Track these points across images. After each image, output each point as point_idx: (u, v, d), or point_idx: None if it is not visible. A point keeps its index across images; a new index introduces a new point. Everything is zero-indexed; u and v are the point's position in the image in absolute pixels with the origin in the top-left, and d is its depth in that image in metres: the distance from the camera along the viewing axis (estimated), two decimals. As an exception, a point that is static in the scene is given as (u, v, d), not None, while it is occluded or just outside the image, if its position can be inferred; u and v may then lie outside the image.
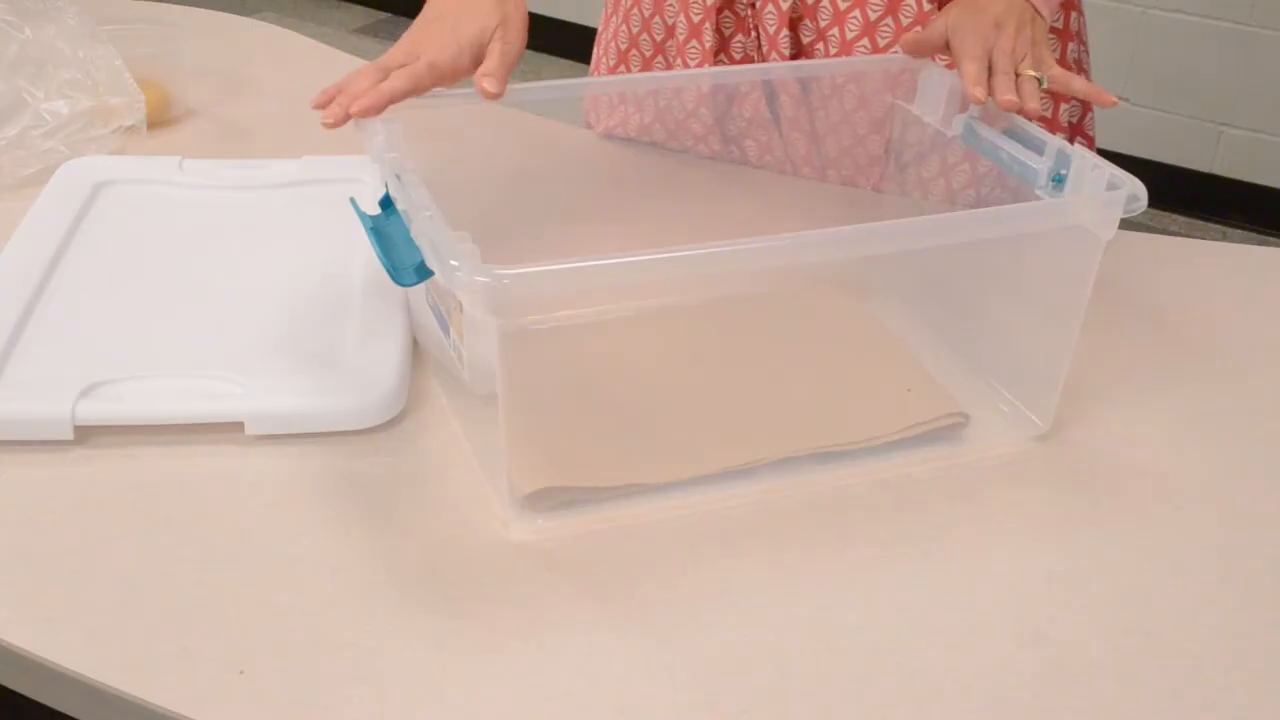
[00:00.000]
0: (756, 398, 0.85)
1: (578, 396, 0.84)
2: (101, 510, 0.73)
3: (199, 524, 0.72)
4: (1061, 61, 1.07)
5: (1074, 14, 1.09)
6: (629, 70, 1.16)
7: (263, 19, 1.50)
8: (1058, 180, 0.80)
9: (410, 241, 0.68)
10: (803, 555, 0.72)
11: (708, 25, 1.08)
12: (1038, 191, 0.81)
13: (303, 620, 0.66)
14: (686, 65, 1.10)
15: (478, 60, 0.86)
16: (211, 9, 1.47)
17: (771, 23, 1.06)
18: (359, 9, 4.05)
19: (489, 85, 0.83)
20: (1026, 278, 0.81)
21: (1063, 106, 1.10)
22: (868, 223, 0.70)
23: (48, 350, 0.82)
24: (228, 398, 0.78)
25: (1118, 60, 2.95)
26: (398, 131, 0.79)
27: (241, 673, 0.63)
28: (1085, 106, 1.12)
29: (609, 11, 1.19)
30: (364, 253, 0.91)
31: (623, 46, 1.16)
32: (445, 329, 0.76)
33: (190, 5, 1.45)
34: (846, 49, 1.05)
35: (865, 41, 1.04)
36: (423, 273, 0.69)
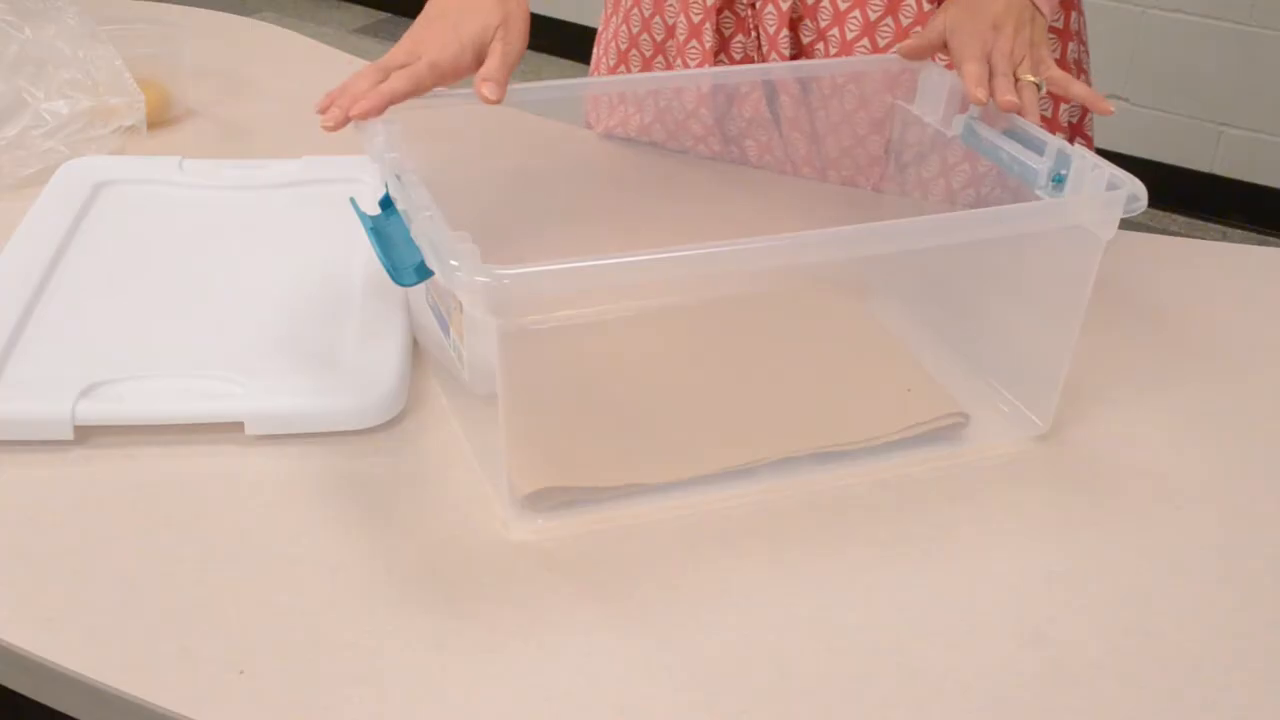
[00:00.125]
0: (756, 398, 0.85)
1: (578, 396, 0.84)
2: (101, 510, 0.73)
3: (199, 524, 0.72)
4: (1061, 62, 1.07)
5: (1074, 14, 1.09)
6: (629, 70, 1.16)
7: (263, 19, 1.50)
8: (1058, 180, 0.80)
9: (410, 241, 0.68)
10: (803, 555, 0.72)
11: (708, 25, 1.08)
12: (1038, 191, 0.81)
13: (303, 620, 0.66)
14: (686, 65, 1.10)
15: (479, 58, 0.86)
16: (211, 9, 1.47)
17: (771, 23, 1.06)
18: (359, 9, 4.05)
19: (489, 92, 0.83)
20: (1026, 278, 0.81)
21: (1063, 107, 1.10)
22: (868, 223, 0.70)
23: (48, 350, 0.82)
24: (228, 398, 0.78)
25: (1117, 60, 2.95)
26: (398, 132, 0.79)
27: (241, 673, 0.63)
28: (1084, 107, 1.12)
29: (609, 12, 1.19)
30: (364, 253, 0.91)
31: (623, 46, 1.16)
32: (445, 329, 0.76)
33: (190, 5, 1.45)
34: (847, 49, 1.05)
35: (865, 41, 1.04)
36: (423, 273, 0.69)
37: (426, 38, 0.85)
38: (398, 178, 0.73)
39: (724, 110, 1.12)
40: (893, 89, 0.98)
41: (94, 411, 0.77)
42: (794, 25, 1.06)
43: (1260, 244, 1.22)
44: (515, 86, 0.86)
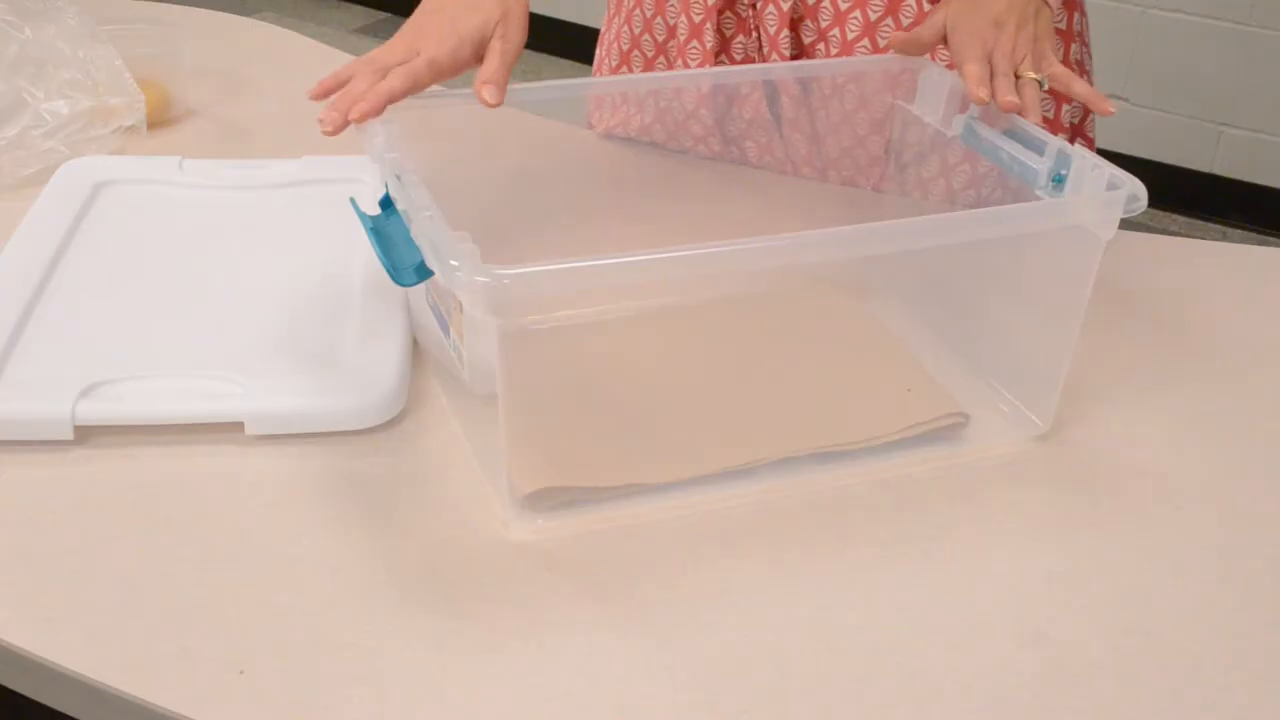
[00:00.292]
0: (756, 398, 0.85)
1: (578, 396, 0.84)
2: (101, 510, 0.73)
3: (199, 524, 0.72)
4: (1064, 63, 1.06)
5: (1076, 14, 1.09)
6: (631, 71, 1.16)
7: (263, 19, 1.50)
8: (1058, 180, 0.80)
9: (410, 241, 0.68)
10: (803, 555, 0.72)
11: (709, 26, 1.08)
12: (1038, 191, 0.81)
13: (303, 620, 0.66)
14: (687, 66, 1.10)
15: (479, 54, 0.85)
16: (211, 9, 1.47)
17: (772, 23, 1.06)
18: (359, 9, 4.05)
19: (489, 95, 0.83)
20: (1026, 278, 0.81)
21: (1065, 107, 1.09)
22: (867, 223, 0.70)
23: (48, 350, 0.82)
24: (228, 398, 0.78)
25: (1118, 60, 2.96)
26: (397, 132, 0.79)
27: (241, 673, 0.63)
28: (1086, 108, 1.12)
29: (611, 12, 1.19)
30: (364, 253, 0.91)
31: (624, 47, 1.16)
32: (445, 329, 0.76)
33: (190, 5, 1.45)
34: (847, 49, 1.05)
35: (866, 42, 1.04)
36: (423, 273, 0.69)
37: (425, 32, 0.85)
38: (398, 178, 0.73)
39: (724, 111, 1.12)
40: (893, 89, 0.98)
41: (94, 411, 0.77)
42: (795, 26, 1.06)
43: (1260, 244, 1.22)
44: (515, 86, 0.86)
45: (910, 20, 1.02)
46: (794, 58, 1.07)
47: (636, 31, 1.14)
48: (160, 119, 1.20)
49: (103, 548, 0.70)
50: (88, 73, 1.14)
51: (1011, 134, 0.85)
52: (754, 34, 1.08)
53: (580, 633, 0.66)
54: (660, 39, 1.13)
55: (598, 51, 1.21)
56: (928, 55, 0.96)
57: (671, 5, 1.10)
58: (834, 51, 1.06)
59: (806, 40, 1.07)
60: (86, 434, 0.77)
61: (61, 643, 0.64)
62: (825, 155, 1.11)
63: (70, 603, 0.66)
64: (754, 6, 1.07)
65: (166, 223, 0.99)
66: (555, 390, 0.84)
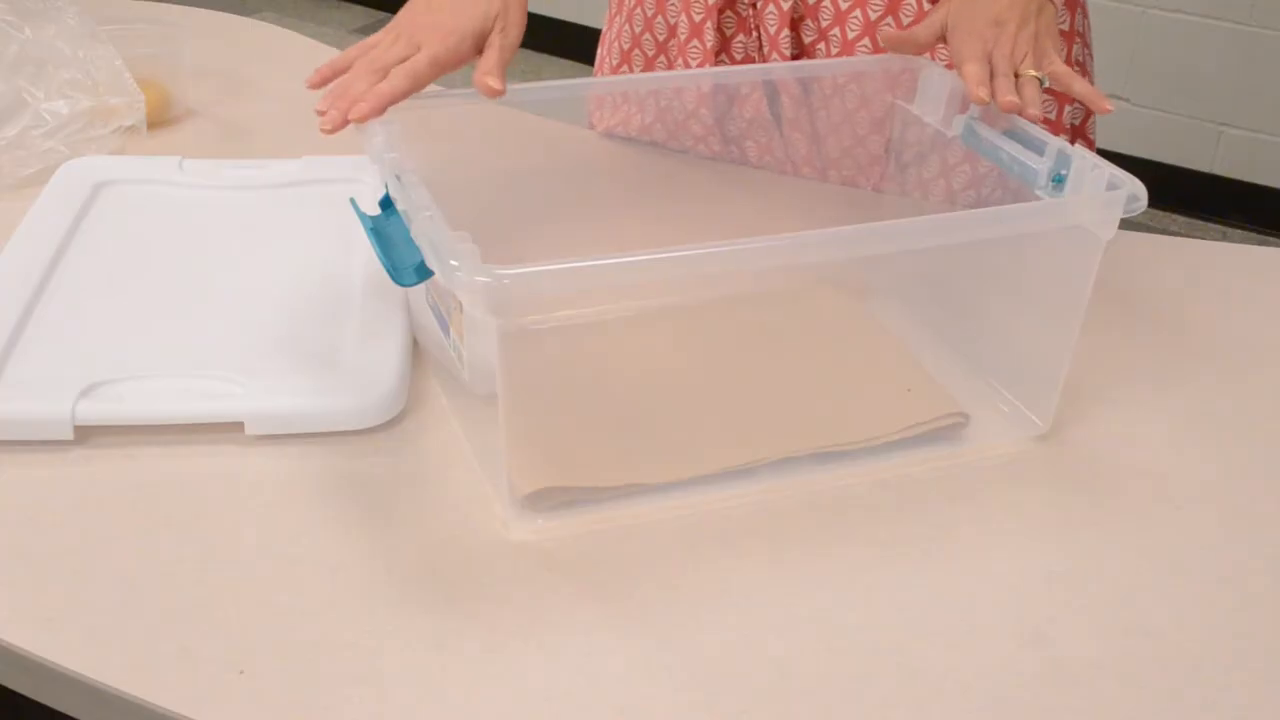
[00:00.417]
0: (756, 398, 0.85)
1: (578, 396, 0.84)
2: (101, 510, 0.73)
3: (199, 524, 0.72)
4: (1067, 64, 1.06)
5: (1078, 14, 1.08)
6: (632, 70, 1.16)
7: (263, 19, 1.50)
8: (1058, 180, 0.80)
9: (410, 241, 0.68)
10: (803, 555, 0.72)
11: (709, 25, 1.08)
12: (1038, 192, 0.81)
13: (303, 620, 0.66)
14: (688, 65, 1.10)
15: (478, 47, 0.85)
16: (211, 9, 1.47)
17: (773, 22, 1.05)
18: (359, 9, 4.05)
19: (493, 82, 0.83)
20: (1026, 278, 0.81)
21: (1066, 109, 1.09)
22: (868, 223, 0.70)
23: (48, 350, 0.82)
24: (228, 398, 0.78)
25: (1118, 60, 2.96)
26: (397, 132, 0.79)
27: (241, 673, 0.62)
28: (1087, 109, 1.11)
29: (612, 11, 1.19)
30: (364, 253, 0.91)
31: (625, 46, 1.16)
32: (445, 329, 0.76)
33: (190, 5, 1.45)
34: (848, 49, 1.05)
35: (866, 41, 1.04)
36: (423, 273, 0.69)
37: (424, 24, 0.85)
38: (398, 178, 0.73)
39: (724, 110, 1.12)
40: (893, 89, 0.98)
41: (94, 411, 0.77)
42: (795, 25, 1.06)
43: (1260, 244, 1.22)
44: (515, 86, 0.86)
45: (911, 19, 1.02)
46: (794, 57, 1.07)
47: (637, 30, 1.14)
48: (160, 119, 1.20)
49: (103, 548, 0.70)
50: (88, 73, 1.14)
51: (1011, 134, 0.84)
52: (754, 33, 1.08)
53: (580, 633, 0.66)
54: (661, 38, 1.13)
55: (599, 50, 1.21)
56: (927, 55, 0.96)
57: (672, 4, 1.10)
58: (834, 51, 1.06)
59: (807, 40, 1.07)
60: (86, 434, 0.77)
61: (61, 643, 0.64)
62: (825, 155, 1.11)
63: (70, 603, 0.66)
64: (754, 6, 1.07)
65: (166, 223, 0.99)
66: (555, 390, 0.84)
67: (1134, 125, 3.01)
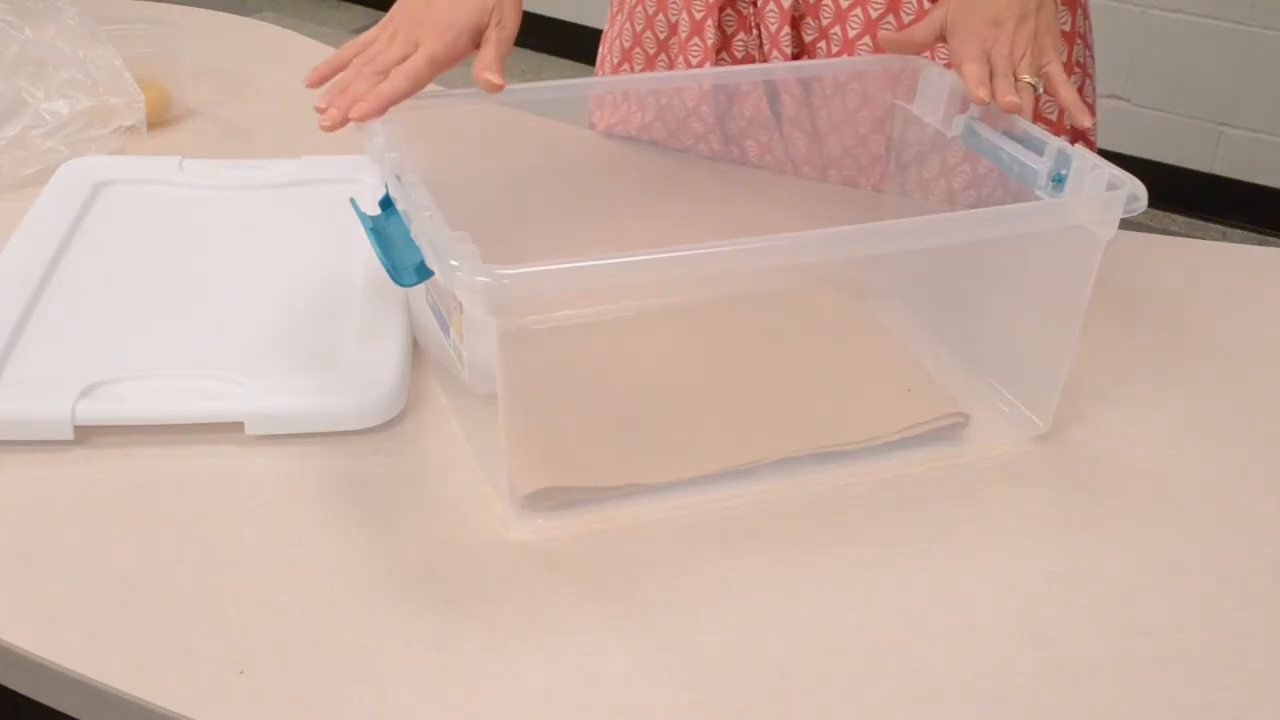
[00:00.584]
0: (756, 398, 0.85)
1: (578, 396, 0.84)
2: (101, 510, 0.73)
3: (199, 524, 0.72)
4: (1067, 65, 1.06)
5: (1079, 15, 1.08)
6: (633, 68, 1.16)
7: (263, 19, 1.50)
8: (1058, 180, 0.80)
9: (410, 241, 0.68)
10: (803, 555, 0.72)
11: (710, 22, 1.08)
12: (1038, 192, 0.81)
13: (303, 620, 0.66)
14: (688, 62, 1.10)
15: (475, 41, 0.85)
16: (211, 9, 1.47)
17: (773, 21, 1.05)
18: (359, 9, 4.05)
19: (492, 77, 0.83)
20: (1026, 278, 0.81)
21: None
22: (867, 223, 0.70)
23: (48, 350, 0.82)
24: (228, 398, 0.78)
25: (1118, 60, 2.95)
26: (397, 132, 0.79)
27: (241, 673, 0.62)
28: (1090, 110, 1.11)
29: (614, 10, 1.19)
30: (364, 253, 0.91)
31: (626, 44, 1.16)
32: (445, 329, 0.76)
33: (190, 5, 1.45)
34: (849, 47, 1.05)
35: (867, 39, 1.04)
36: (423, 273, 0.69)
37: (421, 20, 0.84)
38: (398, 178, 0.73)
39: (725, 109, 1.12)
40: (893, 88, 0.98)
41: (94, 411, 0.77)
42: (796, 23, 1.06)
43: (1260, 244, 1.22)
44: (515, 86, 0.86)
45: (911, 18, 1.02)
46: (795, 55, 1.07)
47: (638, 28, 1.14)
48: (160, 119, 1.20)
49: (103, 548, 0.70)
50: (88, 73, 1.14)
51: (1011, 134, 0.84)
52: (755, 31, 1.08)
53: (580, 633, 0.66)
54: (662, 36, 1.13)
55: (600, 49, 1.21)
56: (927, 54, 0.96)
57: (673, 2, 1.10)
58: (835, 49, 1.06)
59: (807, 38, 1.07)
60: (86, 434, 0.77)
61: (61, 643, 0.64)
62: (826, 154, 1.11)
63: (70, 603, 0.66)
64: (755, 3, 1.07)
65: (166, 223, 0.99)
66: (555, 390, 0.84)
67: (1134, 125, 3.00)
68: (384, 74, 0.82)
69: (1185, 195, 3.01)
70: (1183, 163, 3.01)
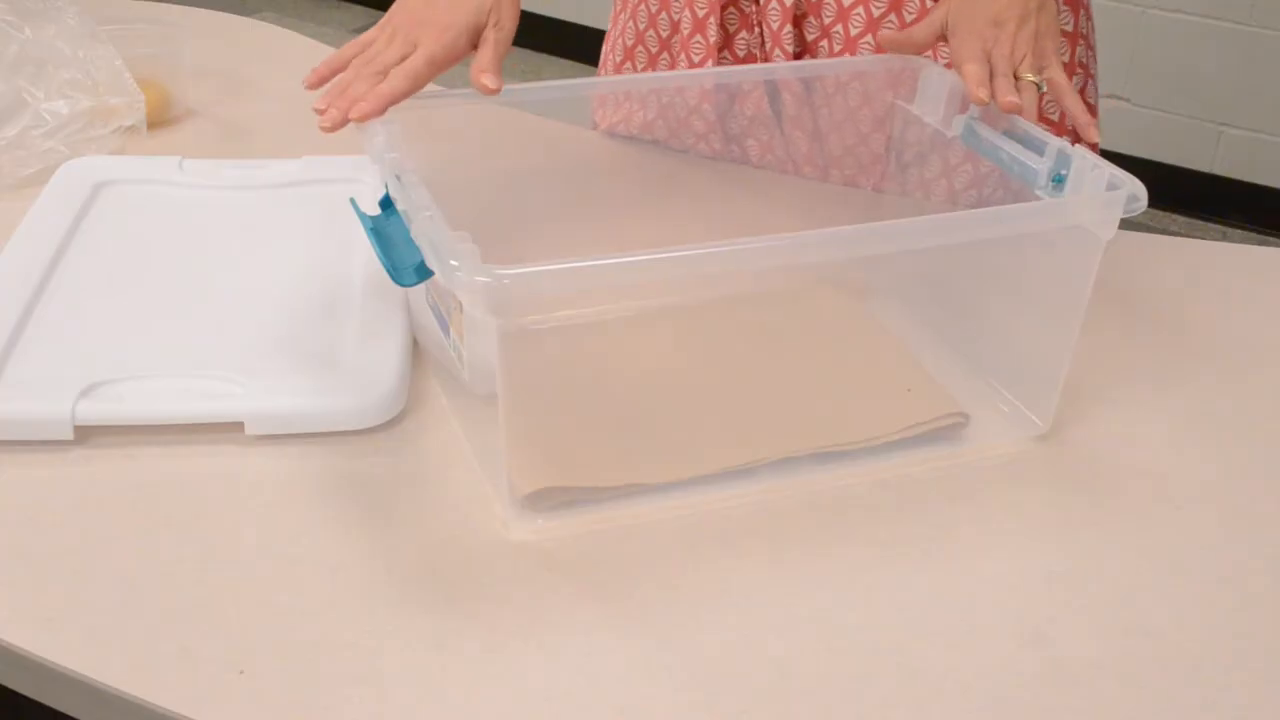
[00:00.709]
0: (756, 398, 0.85)
1: (578, 396, 0.84)
2: (101, 510, 0.73)
3: (199, 524, 0.72)
4: (1069, 65, 1.06)
5: (1081, 16, 1.08)
6: (635, 67, 1.16)
7: (263, 19, 1.50)
8: (1058, 180, 0.80)
9: (410, 241, 0.68)
10: (803, 555, 0.72)
11: (712, 20, 1.08)
12: (1038, 191, 0.81)
13: (303, 620, 0.66)
14: (690, 60, 1.10)
15: (473, 41, 0.85)
16: (211, 9, 1.47)
17: (775, 19, 1.05)
18: (359, 9, 4.05)
19: (488, 81, 0.83)
20: (1026, 278, 0.81)
21: None
22: (868, 223, 0.70)
23: (48, 350, 0.82)
24: (228, 398, 0.78)
25: (1118, 60, 2.95)
26: (397, 132, 0.79)
27: (241, 673, 0.62)
28: (1093, 111, 1.11)
29: (617, 9, 1.19)
30: (364, 253, 0.91)
31: (629, 43, 1.16)
32: (445, 329, 0.76)
33: (190, 5, 1.45)
34: (850, 45, 1.05)
35: (869, 38, 1.04)
36: (423, 273, 0.69)
37: (419, 19, 0.84)
38: (398, 178, 0.73)
39: (726, 108, 1.12)
40: (894, 88, 0.98)
41: (94, 411, 0.77)
42: (798, 22, 1.06)
43: (1260, 244, 1.22)
44: (515, 86, 0.86)
45: (914, 17, 1.02)
46: (797, 54, 1.07)
47: (641, 27, 1.14)
48: (160, 119, 1.20)
49: (103, 548, 0.70)
50: (88, 73, 1.14)
51: (1011, 134, 0.84)
52: (757, 29, 1.08)
53: (580, 633, 0.66)
54: (664, 34, 1.13)
55: (604, 48, 1.21)
56: (928, 54, 0.95)
57: (676, 1, 1.10)
58: (837, 48, 1.06)
59: (809, 37, 1.07)
60: (86, 434, 0.77)
61: (61, 643, 0.64)
62: (827, 154, 1.11)
63: (70, 603, 0.66)
64: (757, 2, 1.07)
65: (166, 223, 0.99)
66: (555, 390, 0.84)
67: (1134, 125, 3.00)
68: (383, 74, 0.82)
69: (1185, 195, 3.01)
70: (1183, 163, 3.01)
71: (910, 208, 1.04)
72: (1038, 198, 0.81)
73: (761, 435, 0.79)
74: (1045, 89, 0.86)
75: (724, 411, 0.83)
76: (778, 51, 1.06)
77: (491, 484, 0.75)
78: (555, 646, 0.65)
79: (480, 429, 0.77)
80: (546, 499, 0.74)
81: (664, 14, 1.12)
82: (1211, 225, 3.01)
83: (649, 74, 1.15)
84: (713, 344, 0.91)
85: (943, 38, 0.91)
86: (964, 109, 0.89)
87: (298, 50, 1.41)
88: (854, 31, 1.04)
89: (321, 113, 0.80)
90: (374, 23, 0.88)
